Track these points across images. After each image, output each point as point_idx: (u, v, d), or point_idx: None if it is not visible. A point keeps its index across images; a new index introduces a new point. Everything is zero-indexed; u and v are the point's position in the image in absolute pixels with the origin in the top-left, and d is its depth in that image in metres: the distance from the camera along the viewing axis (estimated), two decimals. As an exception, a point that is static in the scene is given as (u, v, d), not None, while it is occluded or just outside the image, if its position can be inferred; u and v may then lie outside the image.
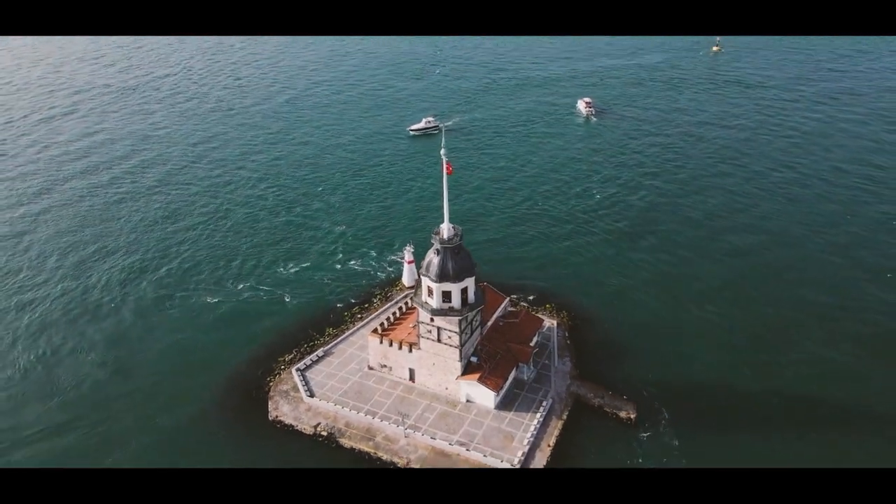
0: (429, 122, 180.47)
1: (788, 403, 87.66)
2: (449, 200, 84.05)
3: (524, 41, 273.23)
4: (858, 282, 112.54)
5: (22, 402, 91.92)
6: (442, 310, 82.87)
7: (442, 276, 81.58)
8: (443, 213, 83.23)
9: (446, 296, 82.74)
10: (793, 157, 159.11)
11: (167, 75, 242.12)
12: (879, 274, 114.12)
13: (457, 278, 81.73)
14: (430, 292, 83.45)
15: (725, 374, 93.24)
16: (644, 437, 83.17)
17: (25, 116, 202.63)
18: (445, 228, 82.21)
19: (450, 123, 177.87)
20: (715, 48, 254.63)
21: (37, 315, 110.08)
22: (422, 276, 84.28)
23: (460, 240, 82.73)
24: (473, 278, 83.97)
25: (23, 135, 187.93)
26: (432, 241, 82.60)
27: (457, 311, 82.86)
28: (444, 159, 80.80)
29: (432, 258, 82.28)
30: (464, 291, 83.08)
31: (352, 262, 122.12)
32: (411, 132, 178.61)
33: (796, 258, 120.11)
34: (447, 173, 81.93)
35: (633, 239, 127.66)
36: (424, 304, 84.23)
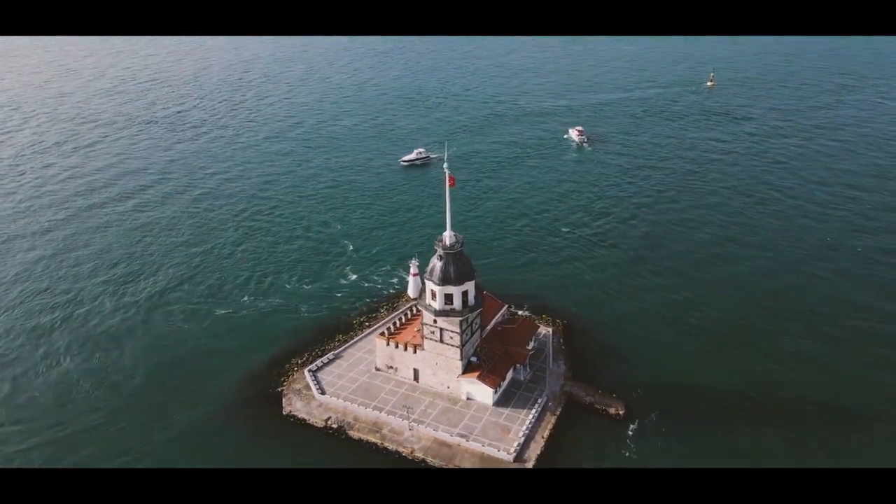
0: (420, 153, 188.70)
1: (767, 402, 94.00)
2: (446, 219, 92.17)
3: (521, 78, 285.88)
4: (835, 290, 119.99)
5: (47, 404, 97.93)
6: (444, 311, 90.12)
7: (444, 280, 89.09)
8: (445, 222, 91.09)
9: (448, 298, 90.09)
10: (777, 181, 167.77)
11: (186, 109, 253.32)
12: (853, 282, 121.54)
13: (458, 282, 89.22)
14: (434, 295, 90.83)
15: (708, 376, 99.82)
16: (631, 431, 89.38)
17: (57, 144, 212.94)
18: (448, 236, 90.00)
19: (439, 155, 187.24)
20: (709, 83, 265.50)
21: (66, 326, 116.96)
22: (425, 280, 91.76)
23: (461, 246, 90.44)
24: (473, 282, 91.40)
25: (50, 164, 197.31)
26: (436, 248, 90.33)
27: (458, 312, 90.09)
28: (447, 172, 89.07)
29: (436, 263, 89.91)
30: (464, 294, 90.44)
31: (359, 278, 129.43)
32: (403, 163, 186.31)
33: (778, 271, 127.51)
34: (449, 185, 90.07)
35: (624, 256, 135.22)
36: (428, 307, 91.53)
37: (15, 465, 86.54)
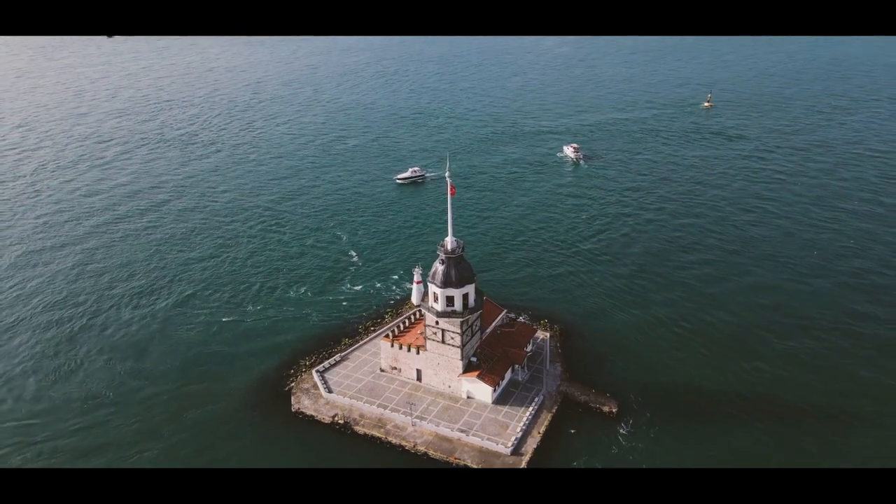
0: (415, 171, 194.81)
1: (754, 403, 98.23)
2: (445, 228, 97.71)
3: (522, 100, 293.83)
4: (823, 297, 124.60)
5: (63, 403, 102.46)
6: (446, 312, 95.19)
7: (446, 283, 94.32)
8: (447, 228, 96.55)
9: (450, 300, 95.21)
10: (769, 196, 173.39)
11: (198, 130, 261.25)
12: (840, 291, 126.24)
13: (459, 284, 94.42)
14: (436, 297, 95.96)
15: (698, 378, 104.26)
16: (623, 428, 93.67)
17: (73, 162, 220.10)
18: (449, 241, 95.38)
19: (434, 173, 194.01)
20: (706, 104, 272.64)
21: (85, 333, 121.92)
22: (428, 283, 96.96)
23: (462, 251, 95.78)
24: (473, 285, 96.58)
25: (68, 181, 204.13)
26: (438, 253, 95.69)
27: (459, 313, 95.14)
28: (449, 182, 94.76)
29: (438, 267, 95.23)
30: (465, 296, 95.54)
31: (363, 287, 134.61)
32: (398, 181, 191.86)
33: (767, 281, 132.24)
34: (451, 194, 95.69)
35: (617, 267, 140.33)
36: (430, 308, 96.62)
37: (42, 458, 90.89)
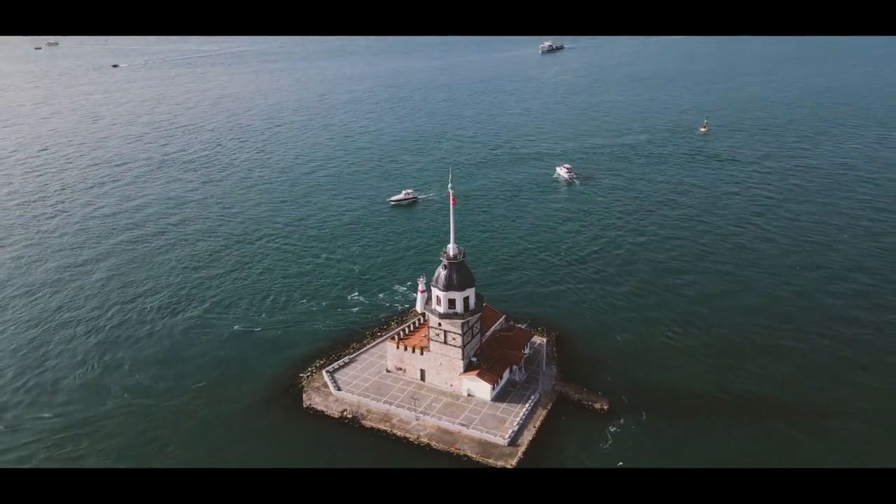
0: (408, 193, 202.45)
1: (735, 402, 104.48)
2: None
3: (520, 124, 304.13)
4: (805, 305, 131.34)
5: (85, 403, 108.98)
6: (448, 314, 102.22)
7: (448, 286, 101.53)
8: (449, 236, 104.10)
9: (451, 303, 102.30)
10: (757, 216, 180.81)
11: (212, 154, 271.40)
12: (821, 299, 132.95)
13: (460, 288, 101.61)
14: (439, 300, 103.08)
15: (686, 380, 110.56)
16: (614, 423, 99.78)
17: (95, 186, 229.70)
18: (451, 248, 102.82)
19: (429, 195, 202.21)
20: (703, 129, 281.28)
21: (99, 338, 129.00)
22: (432, 287, 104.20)
23: (463, 257, 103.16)
24: (473, 289, 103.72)
25: (89, 202, 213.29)
26: (441, 259, 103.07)
27: (460, 315, 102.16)
28: (451, 193, 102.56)
29: (440, 272, 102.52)
30: (466, 300, 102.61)
31: (370, 297, 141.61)
32: (391, 202, 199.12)
33: (751, 290, 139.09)
34: (453, 204, 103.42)
35: (611, 279, 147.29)
36: (434, 311, 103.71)
37: (66, 453, 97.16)
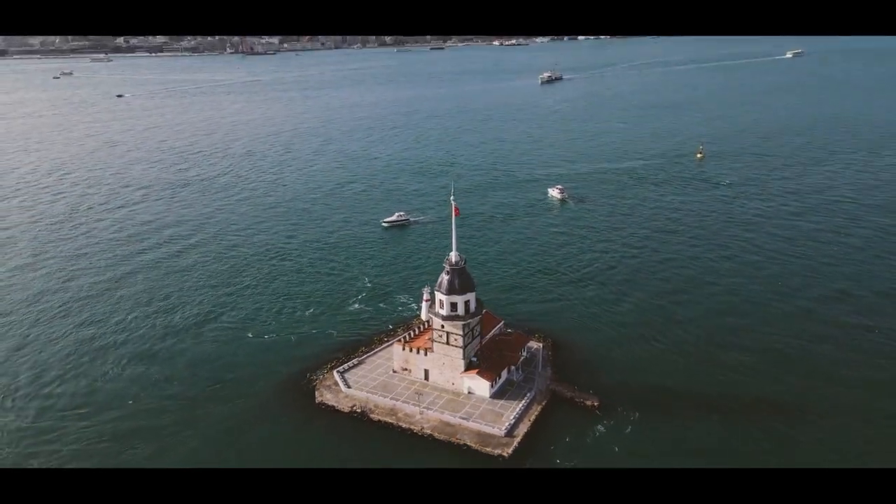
0: (400, 215, 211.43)
1: (721, 402, 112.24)
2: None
3: (519, 149, 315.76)
4: (782, 314, 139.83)
5: (113, 401, 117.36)
6: (450, 316, 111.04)
7: (450, 291, 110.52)
8: (451, 245, 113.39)
9: (453, 306, 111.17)
10: (742, 235, 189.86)
11: (218, 175, 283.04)
12: (804, 308, 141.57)
13: (461, 292, 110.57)
14: (442, 304, 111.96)
15: (670, 383, 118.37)
16: (604, 417, 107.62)
17: (105, 204, 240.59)
18: (453, 255, 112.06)
19: (419, 217, 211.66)
20: (698, 155, 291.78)
21: (119, 343, 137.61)
22: (435, 292, 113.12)
23: (464, 264, 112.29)
24: (474, 293, 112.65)
25: (103, 220, 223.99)
26: (444, 265, 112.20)
27: (461, 317, 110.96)
28: (453, 204, 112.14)
29: (444, 277, 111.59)
30: (467, 303, 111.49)
31: (376, 307, 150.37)
32: (384, 224, 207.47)
33: (738, 304, 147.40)
34: (455, 215, 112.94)
35: (604, 290, 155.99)
36: (437, 314, 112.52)
37: (87, 448, 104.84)
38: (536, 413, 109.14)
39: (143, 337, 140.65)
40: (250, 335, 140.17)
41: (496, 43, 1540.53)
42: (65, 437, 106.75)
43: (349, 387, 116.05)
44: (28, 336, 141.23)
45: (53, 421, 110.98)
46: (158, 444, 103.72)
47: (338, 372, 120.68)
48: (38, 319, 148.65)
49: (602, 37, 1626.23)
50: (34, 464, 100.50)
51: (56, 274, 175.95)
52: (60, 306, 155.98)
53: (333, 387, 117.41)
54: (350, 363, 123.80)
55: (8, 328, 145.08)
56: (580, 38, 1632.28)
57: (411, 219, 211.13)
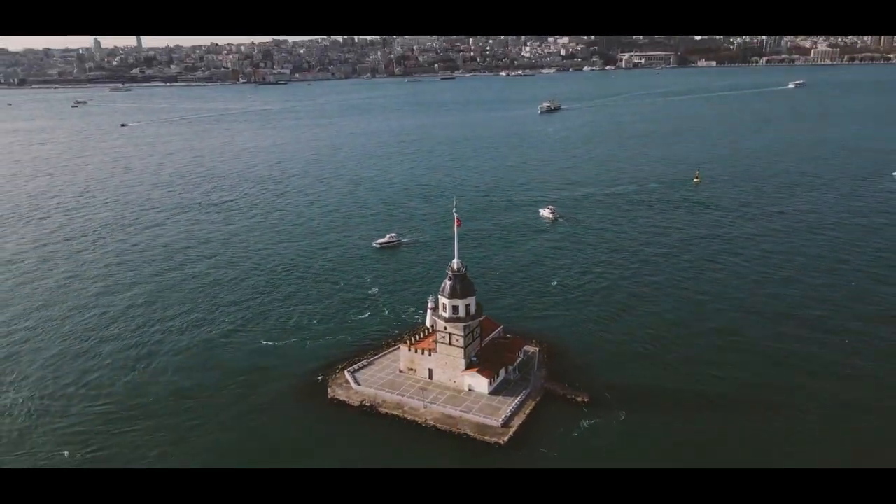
0: (392, 237, 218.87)
1: (710, 400, 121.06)
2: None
3: (519, 174, 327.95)
4: (767, 322, 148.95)
5: (131, 401, 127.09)
6: (452, 318, 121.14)
7: (452, 295, 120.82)
8: (454, 253, 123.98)
9: (455, 309, 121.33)
10: (732, 252, 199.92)
11: (235, 198, 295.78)
12: (791, 313, 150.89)
13: (463, 296, 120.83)
14: (444, 307, 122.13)
15: (658, 383, 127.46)
16: (593, 412, 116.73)
17: (124, 225, 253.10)
18: (455, 262, 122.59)
19: (409, 239, 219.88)
20: (695, 180, 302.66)
21: (140, 349, 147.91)
22: (438, 297, 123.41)
23: (465, 270, 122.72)
24: (474, 298, 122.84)
25: (116, 236, 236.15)
26: (447, 272, 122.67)
27: (462, 319, 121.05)
28: (455, 215, 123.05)
29: (446, 283, 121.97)
30: (468, 306, 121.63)
31: (381, 318, 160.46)
32: (376, 245, 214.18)
33: (729, 309, 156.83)
34: (457, 226, 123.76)
35: (598, 299, 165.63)
36: (440, 316, 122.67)
37: (113, 441, 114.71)
38: (531, 407, 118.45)
39: (162, 346, 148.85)
40: (263, 341, 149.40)
41: (503, 74, 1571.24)
42: (95, 438, 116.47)
43: (359, 384, 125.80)
44: (67, 343, 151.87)
45: (84, 419, 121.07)
46: (175, 440, 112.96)
47: (348, 371, 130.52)
48: (72, 331, 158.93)
49: (607, 67, 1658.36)
50: (58, 460, 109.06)
51: (73, 284, 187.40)
52: (79, 311, 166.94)
53: (344, 384, 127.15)
54: (360, 364, 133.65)
55: (56, 334, 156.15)
56: (585, 69, 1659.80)
57: (402, 240, 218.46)
